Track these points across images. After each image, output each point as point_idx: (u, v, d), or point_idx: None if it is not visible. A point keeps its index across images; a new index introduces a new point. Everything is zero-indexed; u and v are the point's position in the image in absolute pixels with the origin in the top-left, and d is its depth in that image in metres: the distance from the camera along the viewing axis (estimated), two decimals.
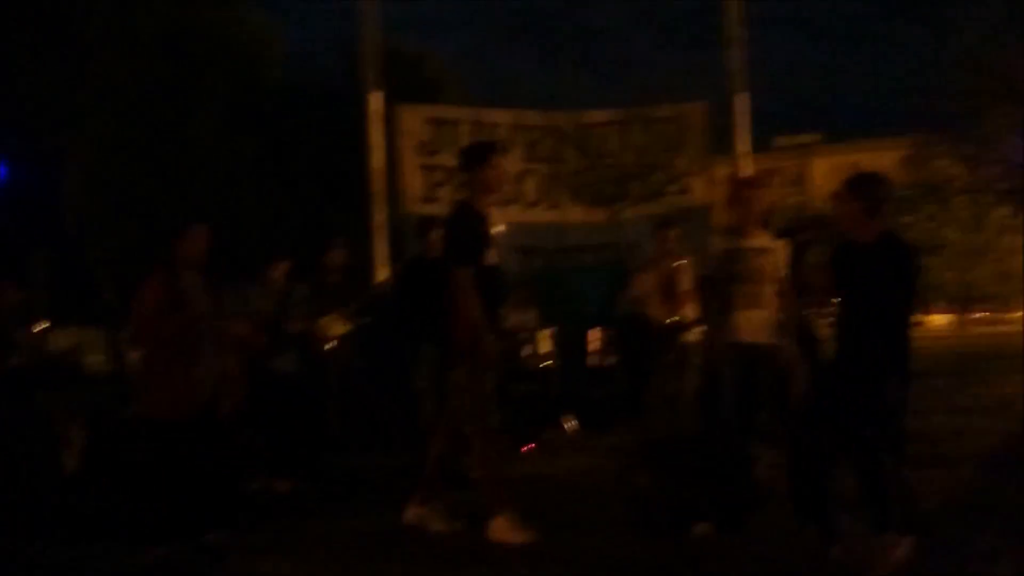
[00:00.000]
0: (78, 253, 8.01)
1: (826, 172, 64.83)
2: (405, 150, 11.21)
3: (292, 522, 5.87)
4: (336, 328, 7.83)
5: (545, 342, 8.76)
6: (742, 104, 11.90)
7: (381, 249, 10.40)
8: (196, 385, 4.97)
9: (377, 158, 10.92)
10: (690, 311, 8.29)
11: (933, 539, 4.74)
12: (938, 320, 34.41)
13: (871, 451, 4.66)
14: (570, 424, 8.71)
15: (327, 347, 7.72)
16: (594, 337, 9.35)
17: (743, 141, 11.97)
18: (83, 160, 12.95)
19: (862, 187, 4.80)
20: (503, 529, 5.24)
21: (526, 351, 8.55)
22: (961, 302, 34.21)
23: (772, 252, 5.90)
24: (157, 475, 5.02)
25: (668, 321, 8.05)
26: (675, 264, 8.24)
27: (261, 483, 6.74)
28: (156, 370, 5.00)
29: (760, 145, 13.40)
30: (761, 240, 5.93)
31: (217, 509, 5.20)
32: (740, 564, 4.71)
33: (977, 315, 33.17)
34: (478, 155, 5.61)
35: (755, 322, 5.79)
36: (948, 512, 5.55)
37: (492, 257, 5.46)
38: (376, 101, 10.93)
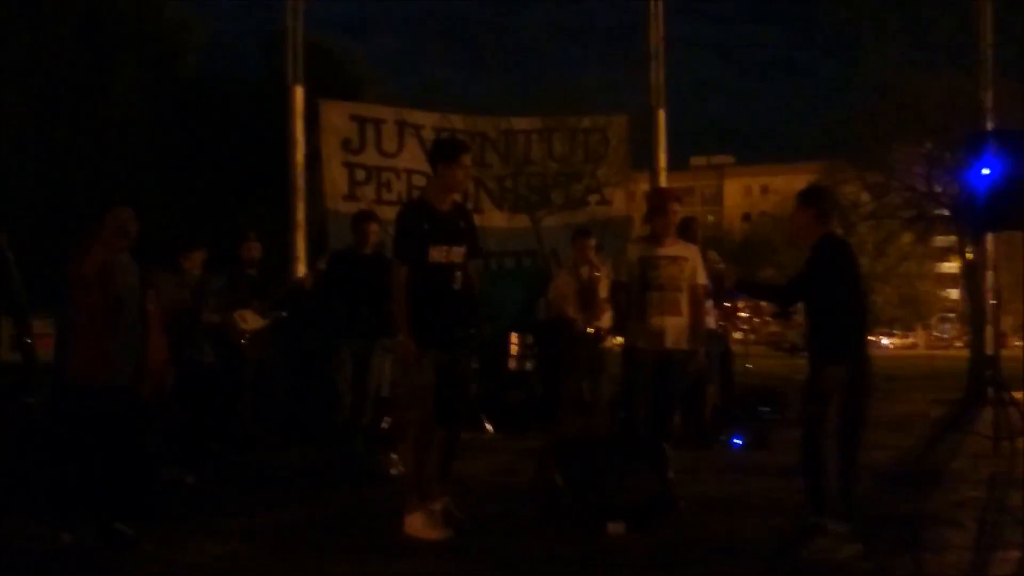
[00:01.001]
0: None
1: (739, 192, 66.74)
2: (328, 146, 11.11)
3: (206, 514, 5.75)
4: (252, 322, 7.73)
5: None
6: (662, 120, 12.16)
7: (300, 245, 10.29)
8: (117, 356, 5.00)
9: (298, 153, 10.80)
10: (607, 319, 8.41)
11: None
12: None
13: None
14: (487, 426, 8.73)
15: (243, 340, 7.61)
16: (513, 341, 9.39)
17: (662, 156, 12.22)
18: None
19: (815, 198, 5.18)
20: (419, 525, 5.21)
21: None
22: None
23: (687, 260, 6.06)
24: (73, 449, 5.05)
25: (587, 330, 8.15)
26: (593, 272, 8.36)
27: (171, 473, 6.58)
28: (81, 338, 5.07)
29: (676, 164, 13.68)
30: (676, 248, 6.09)
31: (131, 493, 5.12)
32: (651, 562, 4.78)
33: (877, 339, 34.33)
34: (449, 153, 5.48)
35: (669, 328, 5.94)
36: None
37: (445, 254, 5.25)
38: (299, 96, 10.82)
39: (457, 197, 5.60)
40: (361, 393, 7.20)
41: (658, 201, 6.20)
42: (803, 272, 5.06)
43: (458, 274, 5.31)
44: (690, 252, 6.19)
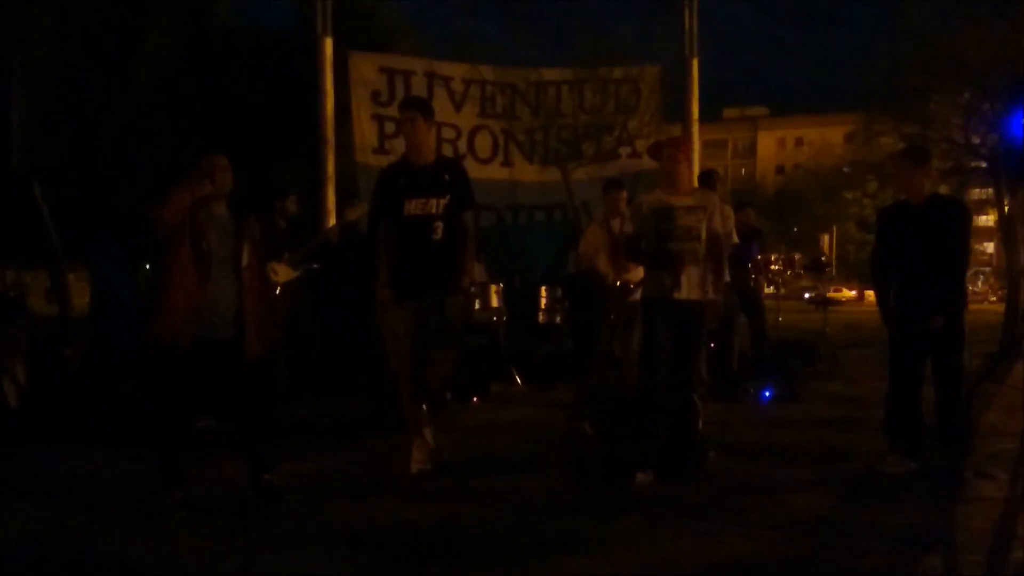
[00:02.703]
0: (25, 192, 7.79)
1: (773, 144, 65.85)
2: (357, 99, 11.07)
3: (236, 461, 5.84)
4: (284, 274, 7.77)
5: (494, 297, 8.78)
6: (695, 69, 11.98)
7: (331, 197, 10.30)
8: (205, 313, 4.80)
9: (328, 106, 10.77)
10: (637, 272, 8.37)
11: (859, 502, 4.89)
12: (873, 296, 35.16)
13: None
14: (517, 378, 8.78)
15: (275, 292, 7.66)
16: (543, 294, 9.39)
17: (695, 106, 12.06)
18: (29, 98, 12.66)
19: (926, 156, 5.76)
20: (411, 455, 5.55)
21: (475, 305, 8.56)
22: None
23: (704, 209, 5.98)
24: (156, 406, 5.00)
25: (617, 283, 8.13)
26: (624, 225, 8.30)
27: (207, 423, 6.69)
28: (163, 295, 4.86)
29: (709, 115, 13.51)
30: (693, 198, 6.02)
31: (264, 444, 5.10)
32: (678, 511, 4.81)
33: None
34: (399, 108, 5.90)
35: (686, 278, 5.88)
36: (873, 473, 5.71)
37: (421, 207, 5.47)
38: (328, 47, 10.77)
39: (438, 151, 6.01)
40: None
41: (672, 150, 6.13)
42: (921, 228, 5.41)
43: (438, 224, 5.49)
44: (708, 200, 6.12)
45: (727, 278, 8.43)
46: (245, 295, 4.91)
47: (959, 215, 5.58)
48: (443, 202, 5.52)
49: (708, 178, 8.83)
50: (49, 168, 10.79)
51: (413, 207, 5.49)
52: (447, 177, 5.60)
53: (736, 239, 8.15)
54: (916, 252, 5.44)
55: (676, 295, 5.85)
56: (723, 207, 8.54)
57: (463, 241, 5.58)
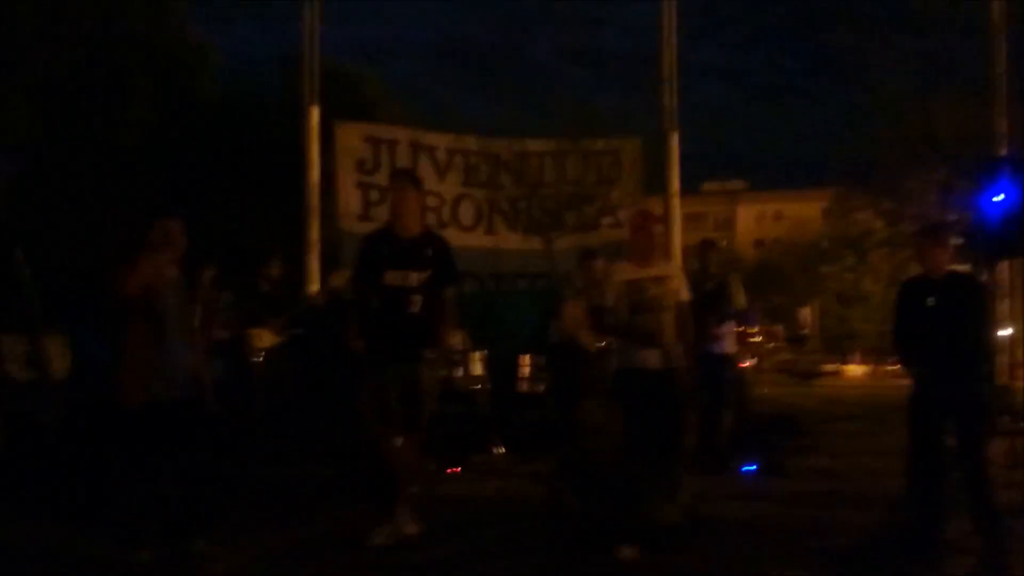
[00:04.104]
0: (5, 255, 7.78)
1: (752, 218, 66.59)
2: (342, 167, 11.17)
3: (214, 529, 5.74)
4: (266, 339, 7.74)
5: (476, 364, 8.76)
6: (675, 143, 12.20)
7: (314, 264, 10.33)
8: (163, 374, 4.88)
9: (313, 173, 10.88)
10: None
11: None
12: (853, 370, 35.28)
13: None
14: (497, 448, 8.71)
15: (256, 358, 7.63)
16: (524, 363, 9.37)
17: (674, 180, 12.25)
18: (10, 161, 12.68)
19: (947, 234, 5.95)
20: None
21: (457, 372, 8.53)
22: (877, 353, 35.18)
23: (670, 278, 6.04)
24: (126, 465, 4.99)
25: (597, 346, 8.13)
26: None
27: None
28: (123, 359, 4.95)
29: (689, 188, 13.71)
30: (659, 268, 6.07)
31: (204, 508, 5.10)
32: None
33: (891, 367, 34.14)
34: (391, 178, 6.01)
35: (658, 348, 5.89)
36: (863, 549, 5.69)
37: (401, 279, 5.50)
38: (314, 116, 10.91)
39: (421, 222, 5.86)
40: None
41: (641, 221, 6.21)
42: (946, 301, 5.56)
43: (415, 298, 5.52)
44: (672, 270, 6.21)
45: (729, 349, 8.49)
46: (198, 355, 5.01)
47: (976, 290, 5.84)
48: (423, 276, 5.55)
49: (708, 248, 8.89)
50: (30, 232, 10.77)
51: (392, 278, 5.52)
52: (430, 252, 5.65)
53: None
54: (936, 325, 5.55)
55: (649, 365, 5.85)
56: (732, 276, 8.68)
57: (442, 316, 5.63)
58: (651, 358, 5.87)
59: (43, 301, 8.52)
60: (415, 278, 5.53)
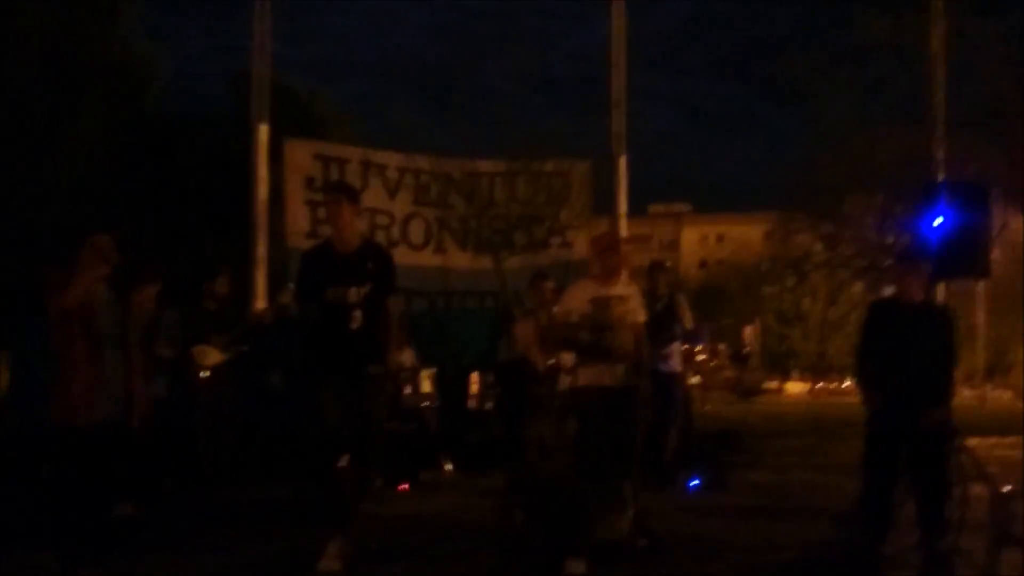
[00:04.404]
0: None
1: (696, 239, 67.61)
2: (291, 184, 11.11)
3: (156, 551, 5.68)
4: (211, 357, 7.67)
5: (426, 382, 8.77)
6: (623, 166, 12.38)
7: (261, 281, 10.26)
8: (100, 393, 4.81)
9: (261, 190, 10.82)
10: (567, 358, 8.45)
11: None
12: (793, 387, 35.84)
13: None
14: (447, 465, 8.71)
15: (201, 375, 7.55)
16: (474, 380, 9.40)
17: (623, 201, 12.43)
18: None
19: (915, 260, 6.03)
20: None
21: (406, 390, 8.53)
22: (815, 371, 35.80)
23: (631, 298, 6.11)
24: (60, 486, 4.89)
25: (547, 364, 8.19)
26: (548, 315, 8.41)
27: (123, 509, 6.52)
28: (63, 375, 4.86)
29: (635, 210, 13.91)
30: (620, 288, 6.13)
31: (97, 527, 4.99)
32: None
33: (830, 385, 34.75)
34: (323, 192, 5.85)
35: (620, 366, 5.94)
36: (806, 563, 5.79)
37: (341, 295, 5.40)
38: (263, 133, 10.86)
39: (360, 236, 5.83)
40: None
41: (611, 242, 6.27)
42: (916, 328, 5.63)
43: (356, 313, 5.42)
44: (631, 290, 6.26)
45: (676, 367, 8.59)
46: (132, 374, 4.96)
47: (948, 320, 5.95)
48: (363, 291, 5.45)
49: (657, 269, 9.01)
50: None
51: (332, 295, 5.43)
52: (370, 265, 5.54)
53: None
54: (905, 349, 5.61)
55: (610, 382, 5.91)
56: (679, 297, 8.78)
57: (385, 328, 5.52)
58: (612, 375, 5.90)
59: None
60: (355, 293, 5.42)
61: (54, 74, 15.64)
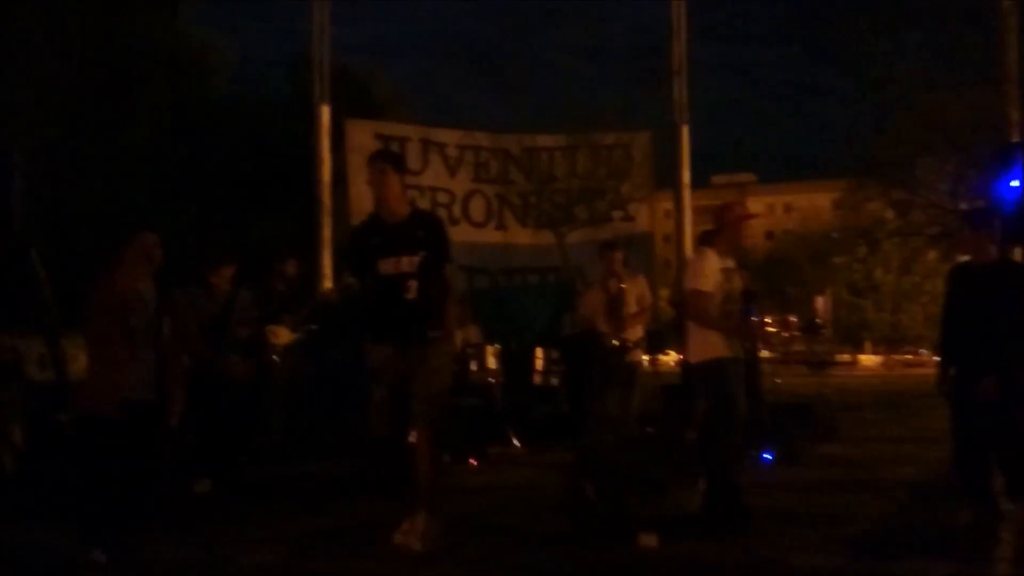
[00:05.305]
0: (22, 256, 7.85)
1: (762, 211, 66.65)
2: (353, 165, 11.19)
3: (234, 525, 5.78)
4: (283, 336, 7.77)
5: (491, 358, 8.79)
6: (685, 136, 12.20)
7: (327, 261, 10.38)
8: (129, 382, 4.93)
9: (324, 172, 10.92)
10: (635, 332, 8.40)
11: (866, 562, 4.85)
12: (867, 360, 35.22)
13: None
14: (513, 441, 8.73)
15: (274, 355, 7.66)
16: (538, 356, 9.39)
17: (686, 172, 12.26)
18: (27, 164, 12.83)
19: (990, 218, 5.88)
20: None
21: (472, 367, 8.55)
22: (889, 343, 35.13)
23: (737, 272, 5.99)
24: (88, 472, 5.01)
25: (614, 342, 8.15)
26: (619, 285, 8.35)
27: (202, 487, 6.69)
28: (92, 367, 5.04)
29: (698, 182, 13.73)
30: (731, 262, 5.99)
31: (143, 509, 5.12)
32: (682, 571, 4.75)
33: (904, 356, 34.10)
34: (368, 162, 5.66)
35: (728, 337, 5.83)
36: (882, 535, 5.68)
37: (393, 265, 5.26)
38: (325, 115, 10.95)
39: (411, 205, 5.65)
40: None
41: (743, 214, 6.15)
42: (993, 286, 5.45)
43: (411, 283, 5.26)
44: (735, 264, 6.10)
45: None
46: (164, 365, 5.07)
47: (1021, 277, 5.72)
48: (416, 260, 5.28)
49: (708, 241, 8.88)
50: (46, 234, 10.88)
51: (385, 266, 5.29)
52: (420, 233, 5.36)
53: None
54: (982, 311, 5.47)
55: (737, 355, 5.78)
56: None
57: (443, 295, 5.34)
58: (734, 347, 5.79)
59: (59, 302, 8.57)
60: (407, 263, 5.27)
61: (118, 65, 15.98)
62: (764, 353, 10.20)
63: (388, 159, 5.63)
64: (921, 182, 19.46)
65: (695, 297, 5.79)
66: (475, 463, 8.06)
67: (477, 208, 11.71)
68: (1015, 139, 12.08)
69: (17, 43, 15.76)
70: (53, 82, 15.48)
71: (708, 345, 5.74)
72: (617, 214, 12.14)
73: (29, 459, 6.94)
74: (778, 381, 9.89)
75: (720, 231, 6.03)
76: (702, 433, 5.91)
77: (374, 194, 5.46)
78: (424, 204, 11.25)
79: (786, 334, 10.32)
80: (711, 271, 5.77)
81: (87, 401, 5.04)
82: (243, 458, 7.39)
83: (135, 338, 4.95)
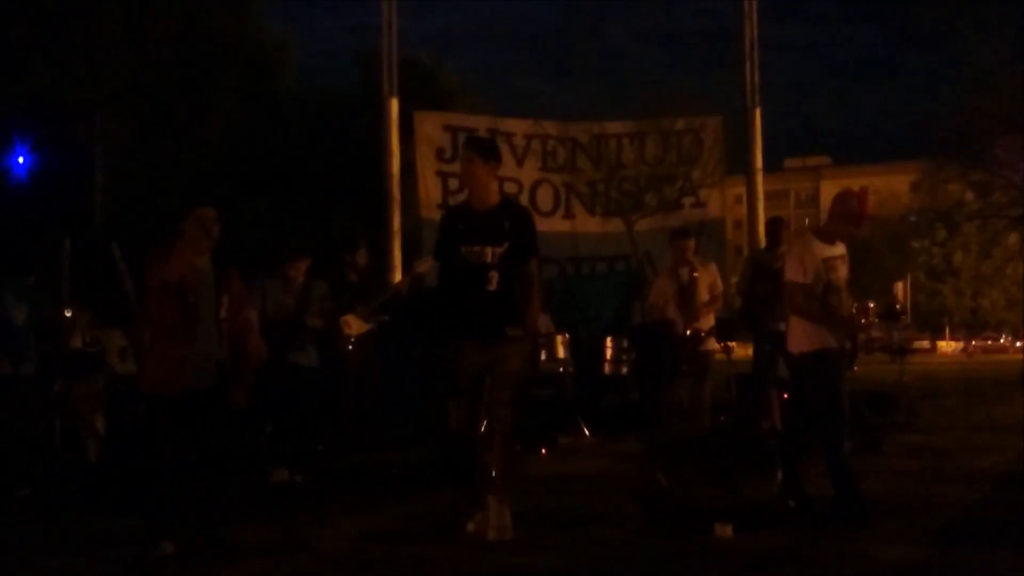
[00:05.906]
0: (104, 250, 8.07)
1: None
2: (422, 156, 11.28)
3: (311, 513, 5.87)
4: (356, 326, 7.85)
5: (560, 348, 8.77)
6: (758, 119, 12.00)
7: (397, 252, 10.48)
8: (190, 365, 4.84)
9: (394, 164, 11.02)
10: (706, 321, 8.30)
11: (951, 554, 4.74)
12: (945, 346, 34.32)
13: None
14: (584, 430, 8.70)
15: (347, 345, 7.76)
16: (608, 345, 9.34)
17: (758, 156, 12.06)
18: (106, 160, 13.17)
19: None
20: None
21: (542, 356, 8.55)
22: (969, 329, 34.19)
23: (844, 260, 5.83)
24: (153, 457, 4.95)
25: (687, 332, 8.07)
26: (692, 273, 8.26)
27: (280, 475, 6.82)
28: (152, 347, 4.97)
29: (770, 166, 13.51)
30: (840, 249, 5.82)
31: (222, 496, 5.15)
32: (758, 564, 4.68)
33: (985, 342, 33.16)
34: (461, 149, 5.62)
35: (830, 329, 5.68)
36: (966, 526, 5.53)
37: (477, 255, 5.18)
38: (393, 108, 11.04)
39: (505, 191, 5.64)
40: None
41: (862, 202, 5.96)
42: None
43: (493, 274, 5.19)
44: (844, 250, 5.91)
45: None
46: (224, 346, 4.96)
47: None
48: (499, 251, 5.19)
49: (777, 226, 8.75)
50: (126, 229, 11.17)
51: (468, 254, 5.22)
52: (507, 224, 5.27)
53: None
54: None
55: (835, 345, 5.63)
56: None
57: (527, 289, 5.26)
58: (837, 338, 5.66)
59: (140, 295, 8.78)
60: (491, 253, 5.18)
61: (189, 61, 16.31)
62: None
63: (475, 147, 5.55)
64: (1002, 162, 18.89)
65: (790, 289, 5.65)
66: (546, 453, 8.05)
67: (545, 197, 11.67)
68: None
69: (99, 43, 16.21)
70: (132, 80, 15.90)
71: (811, 336, 5.58)
72: (687, 200, 11.99)
73: (110, 449, 7.14)
74: (856, 369, 9.67)
75: (831, 218, 5.85)
76: (790, 424, 5.78)
77: (464, 183, 5.46)
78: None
79: (865, 321, 10.06)
80: (811, 261, 5.57)
81: (149, 383, 4.92)
82: (318, 447, 7.52)
83: (192, 314, 4.84)
